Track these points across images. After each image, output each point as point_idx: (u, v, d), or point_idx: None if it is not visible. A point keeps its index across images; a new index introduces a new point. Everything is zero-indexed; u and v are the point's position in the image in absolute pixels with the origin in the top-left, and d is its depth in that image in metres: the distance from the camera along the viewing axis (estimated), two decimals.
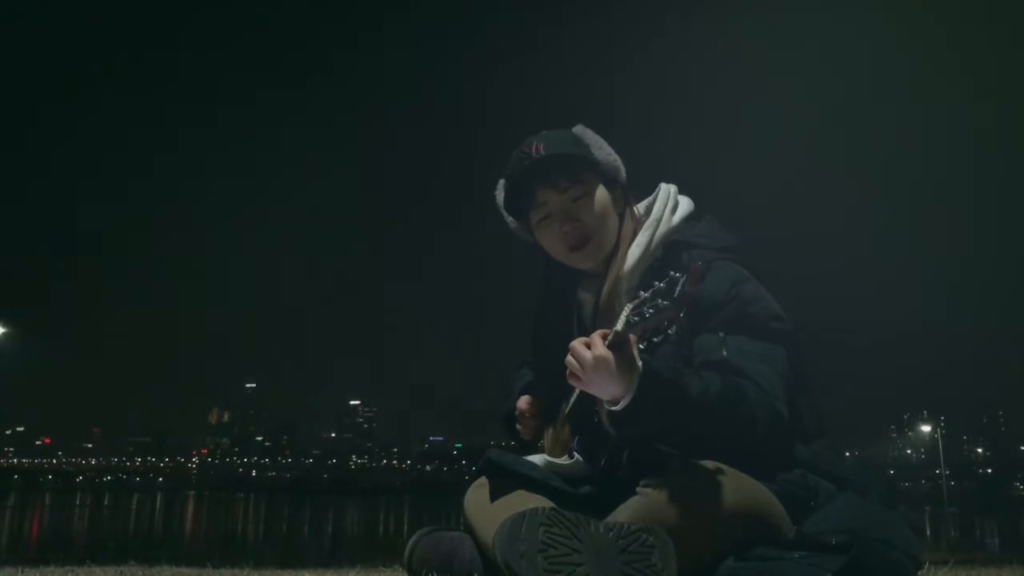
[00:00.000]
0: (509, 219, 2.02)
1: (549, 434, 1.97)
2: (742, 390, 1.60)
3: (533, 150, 1.87)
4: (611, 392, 1.54)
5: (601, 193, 1.90)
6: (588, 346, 1.54)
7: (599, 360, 1.51)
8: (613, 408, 1.56)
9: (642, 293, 1.52)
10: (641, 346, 1.54)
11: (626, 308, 1.55)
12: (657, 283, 1.48)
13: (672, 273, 1.45)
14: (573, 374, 1.56)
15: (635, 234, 1.91)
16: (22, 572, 2.49)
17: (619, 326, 1.53)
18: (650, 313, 1.47)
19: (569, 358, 1.56)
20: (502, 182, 2.00)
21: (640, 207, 1.97)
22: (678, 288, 1.42)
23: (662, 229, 1.90)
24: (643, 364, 1.52)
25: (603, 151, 1.92)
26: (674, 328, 1.46)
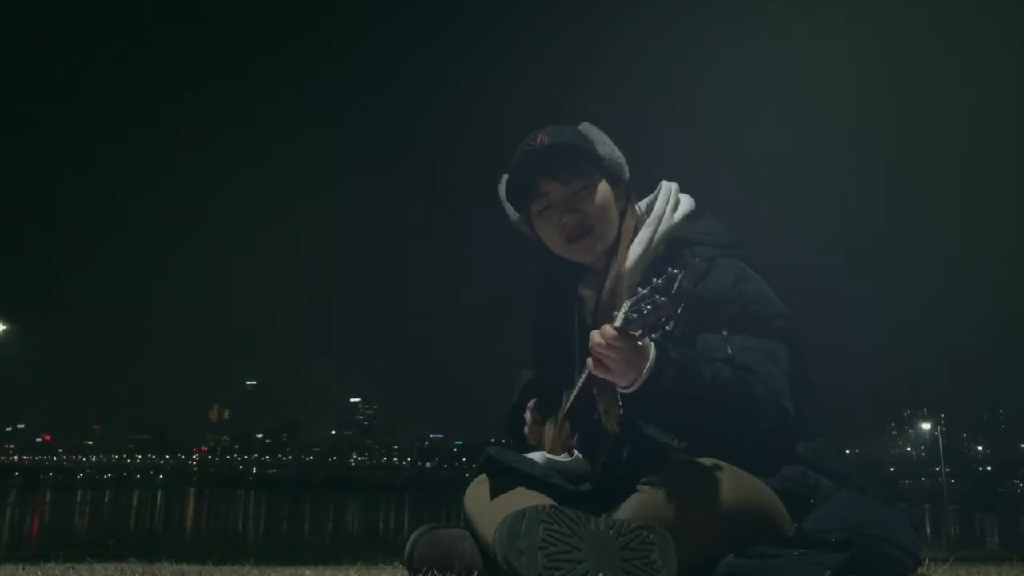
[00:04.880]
0: (510, 210, 2.02)
1: (549, 431, 1.98)
2: (750, 383, 1.62)
3: (537, 142, 1.89)
4: (626, 375, 1.57)
5: (603, 187, 1.91)
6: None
7: (611, 340, 1.54)
8: (627, 390, 1.59)
9: (640, 290, 1.52)
10: (640, 343, 1.56)
11: (624, 305, 1.56)
12: (655, 280, 1.48)
13: (670, 269, 1.46)
14: (598, 361, 1.59)
15: (635, 231, 1.91)
16: (23, 569, 2.49)
17: (617, 323, 1.55)
18: (648, 309, 1.47)
19: (591, 346, 1.59)
20: (506, 176, 2.01)
21: (641, 205, 1.98)
22: (676, 284, 1.43)
23: (664, 226, 1.90)
24: (657, 345, 1.56)
25: (607, 146, 1.94)
26: (671, 324, 1.47)
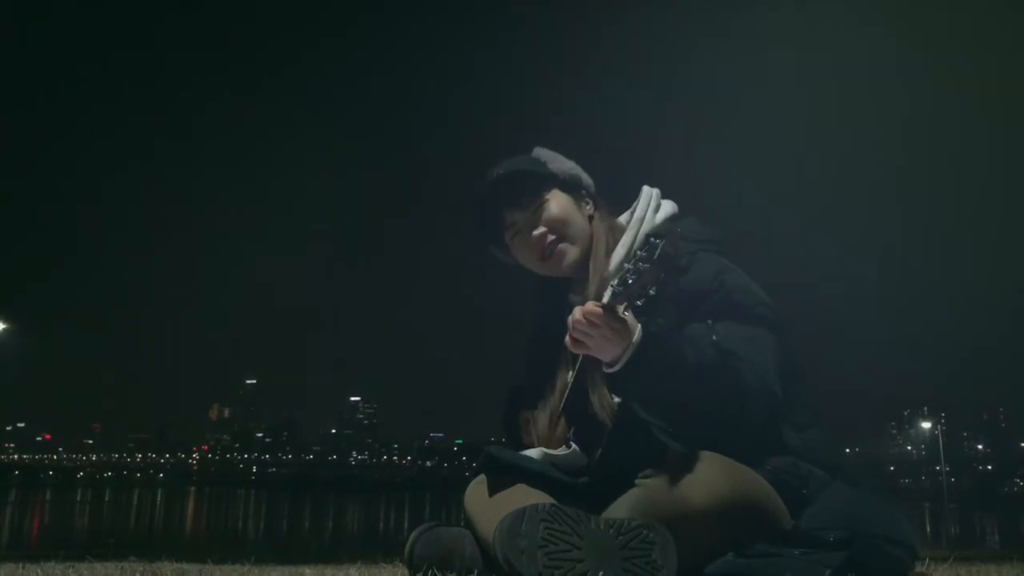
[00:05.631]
0: (492, 249, 2.08)
1: (544, 426, 1.98)
2: (735, 368, 1.64)
3: (495, 176, 1.97)
4: (611, 352, 1.61)
5: (560, 197, 1.97)
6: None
7: (589, 314, 1.58)
8: (612, 369, 1.62)
9: (626, 265, 1.56)
10: (627, 314, 1.59)
11: (611, 282, 1.60)
12: (638, 252, 1.53)
13: (652, 239, 1.51)
14: (575, 340, 1.63)
15: (608, 232, 1.96)
16: (23, 568, 2.49)
17: (605, 299, 1.59)
18: (633, 279, 1.51)
19: (570, 323, 1.63)
20: (472, 221, 2.07)
21: (625, 215, 2.02)
22: (657, 251, 1.48)
23: (645, 228, 1.94)
24: (642, 326, 1.60)
25: (558, 162, 2.02)
26: (655, 289, 1.51)
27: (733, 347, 1.67)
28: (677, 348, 1.61)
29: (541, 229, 1.94)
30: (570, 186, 2.01)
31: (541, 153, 2.04)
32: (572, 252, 1.94)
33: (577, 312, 1.61)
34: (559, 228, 1.94)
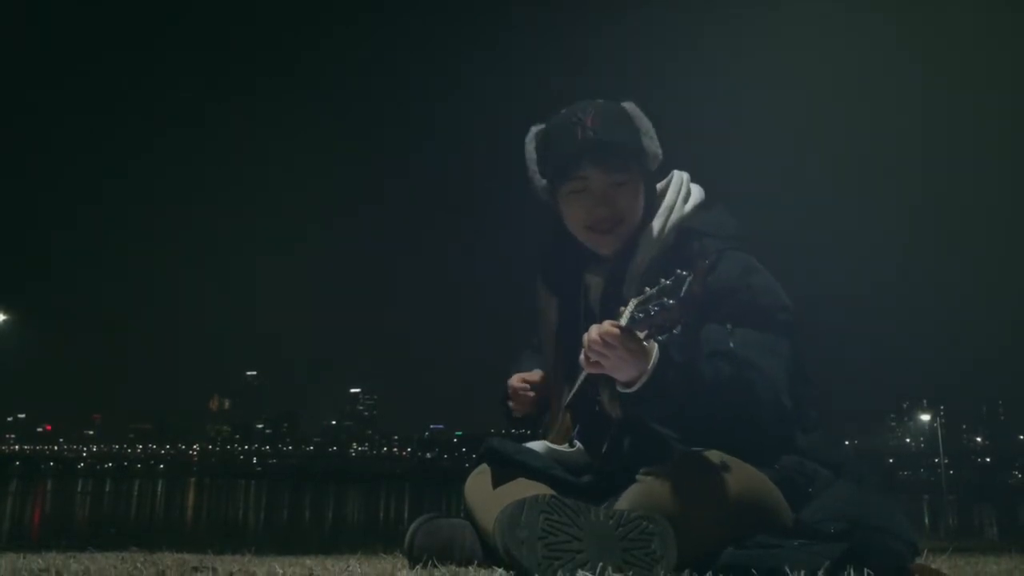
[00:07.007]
0: (536, 177, 1.94)
1: (549, 423, 1.97)
2: (750, 380, 1.62)
3: (589, 121, 1.83)
4: (628, 373, 1.57)
5: (640, 187, 1.88)
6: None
7: (606, 335, 1.53)
8: (628, 391, 1.58)
9: (647, 289, 1.50)
10: (646, 344, 1.55)
11: (631, 303, 1.55)
12: (663, 280, 1.46)
13: (679, 272, 1.43)
14: (589, 359, 1.58)
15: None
16: (24, 558, 2.49)
17: (623, 321, 1.54)
18: (655, 311, 1.45)
19: (585, 341, 1.58)
20: (535, 132, 1.95)
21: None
22: (684, 288, 1.40)
23: (675, 216, 1.88)
24: (659, 347, 1.55)
25: (652, 141, 1.89)
26: (678, 328, 1.44)
27: (750, 356, 1.65)
28: (695, 371, 1.58)
29: (612, 210, 1.84)
30: (651, 175, 1.92)
31: (637, 117, 1.89)
32: (623, 240, 1.87)
33: (593, 331, 1.56)
34: (627, 216, 1.85)
